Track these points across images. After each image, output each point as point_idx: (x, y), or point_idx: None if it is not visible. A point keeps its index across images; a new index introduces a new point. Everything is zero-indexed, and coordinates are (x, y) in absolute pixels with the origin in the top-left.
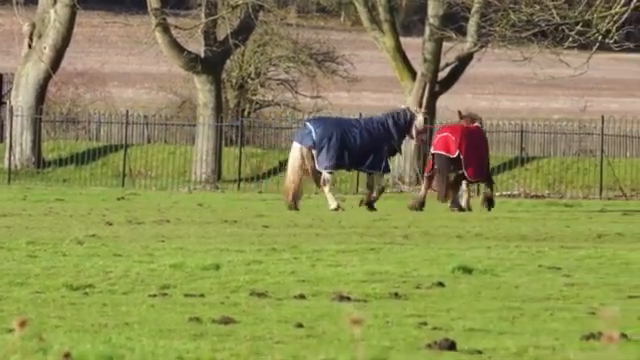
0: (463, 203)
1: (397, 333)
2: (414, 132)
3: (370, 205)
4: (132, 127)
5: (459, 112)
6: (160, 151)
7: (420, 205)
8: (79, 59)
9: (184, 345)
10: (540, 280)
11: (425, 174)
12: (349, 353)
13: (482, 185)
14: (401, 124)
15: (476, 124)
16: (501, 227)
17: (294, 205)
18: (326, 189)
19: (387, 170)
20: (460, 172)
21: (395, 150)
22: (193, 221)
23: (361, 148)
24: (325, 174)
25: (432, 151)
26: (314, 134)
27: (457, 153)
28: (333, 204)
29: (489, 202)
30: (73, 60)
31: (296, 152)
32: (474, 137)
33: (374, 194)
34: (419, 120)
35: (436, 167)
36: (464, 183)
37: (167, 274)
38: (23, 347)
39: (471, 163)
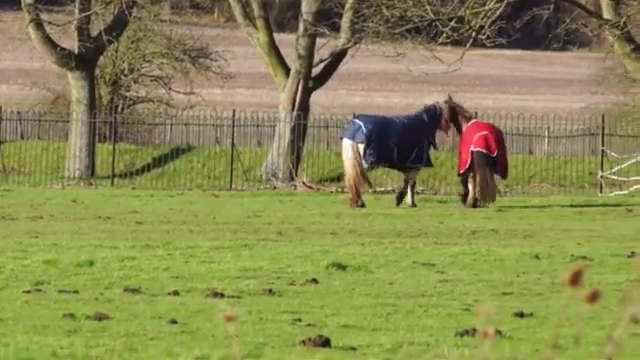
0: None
1: (271, 329)
2: (444, 123)
3: (400, 199)
4: (5, 123)
5: (449, 96)
6: (33, 147)
7: (475, 203)
8: None
9: (58, 341)
10: (414, 276)
11: (462, 172)
12: (223, 349)
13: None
14: (435, 118)
15: (474, 120)
16: (375, 223)
17: (361, 201)
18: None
19: (429, 164)
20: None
21: (430, 144)
22: (67, 217)
23: (405, 144)
24: (364, 165)
25: (472, 149)
26: (364, 129)
27: (496, 153)
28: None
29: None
30: None
31: (349, 149)
32: (499, 135)
33: (406, 188)
34: (445, 111)
35: (477, 165)
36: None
37: (41, 270)
38: None
39: (502, 161)
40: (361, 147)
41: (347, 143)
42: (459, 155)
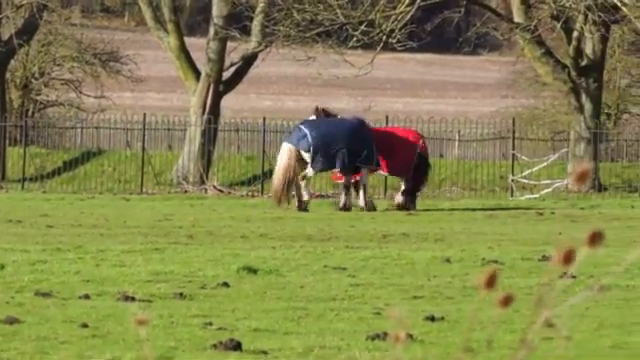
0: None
1: (182, 333)
2: None
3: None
4: None
5: (317, 108)
6: None
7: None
8: None
9: None
10: (325, 280)
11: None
12: (134, 353)
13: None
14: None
15: None
16: (286, 227)
17: (286, 204)
18: (303, 183)
19: (378, 164)
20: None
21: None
22: None
23: (354, 147)
24: (310, 171)
25: (420, 152)
26: (310, 137)
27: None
28: (306, 196)
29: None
30: None
31: (287, 154)
32: None
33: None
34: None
35: (424, 166)
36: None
37: None
38: None
39: None
40: (306, 155)
41: (286, 147)
42: (391, 156)
